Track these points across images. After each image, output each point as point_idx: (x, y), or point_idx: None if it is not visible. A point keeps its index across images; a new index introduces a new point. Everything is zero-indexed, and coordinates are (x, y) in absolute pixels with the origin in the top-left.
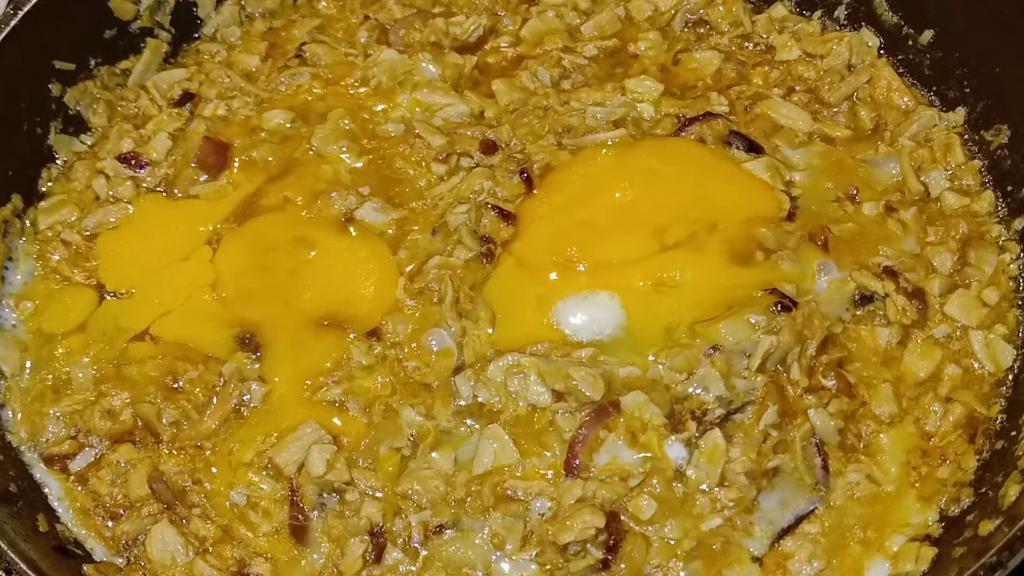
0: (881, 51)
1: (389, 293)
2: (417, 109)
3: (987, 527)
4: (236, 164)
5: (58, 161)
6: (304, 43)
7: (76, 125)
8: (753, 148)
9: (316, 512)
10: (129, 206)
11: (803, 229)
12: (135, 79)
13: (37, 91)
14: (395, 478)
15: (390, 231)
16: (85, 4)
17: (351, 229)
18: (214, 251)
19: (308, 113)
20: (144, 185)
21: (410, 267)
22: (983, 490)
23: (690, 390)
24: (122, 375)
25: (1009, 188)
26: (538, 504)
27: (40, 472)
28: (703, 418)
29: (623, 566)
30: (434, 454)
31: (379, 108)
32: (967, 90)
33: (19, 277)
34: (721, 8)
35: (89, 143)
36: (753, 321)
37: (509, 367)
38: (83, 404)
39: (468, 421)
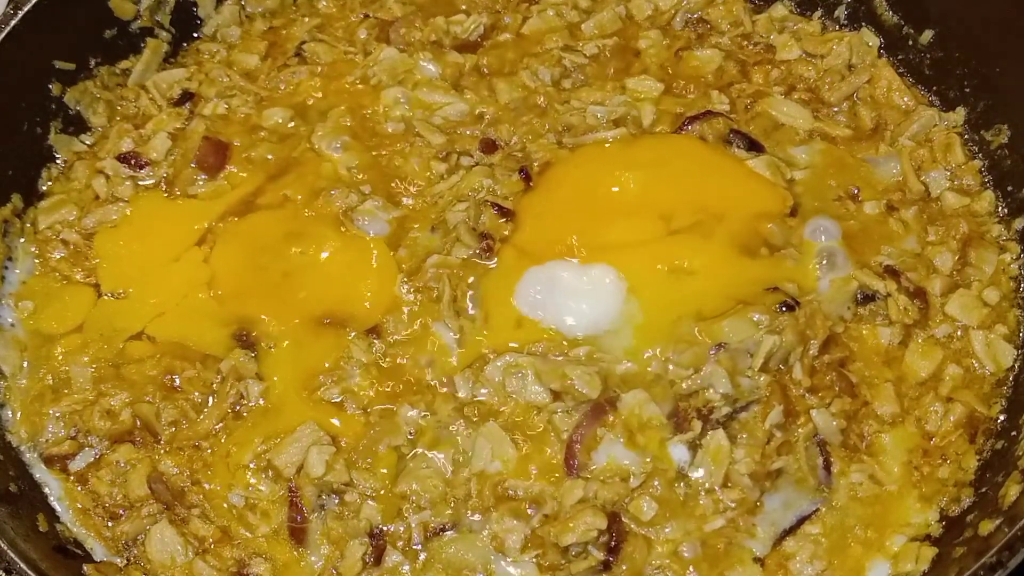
0: (881, 51)
1: (388, 291)
2: (417, 109)
3: (987, 527)
4: (235, 163)
5: (58, 161)
6: (304, 42)
7: (76, 125)
8: (754, 147)
9: (315, 514)
10: (128, 206)
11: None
12: (135, 79)
13: (37, 91)
14: (394, 478)
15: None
16: (85, 4)
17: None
18: (210, 250)
19: (308, 111)
20: (143, 184)
21: (409, 265)
22: (983, 490)
23: (694, 385)
24: (121, 375)
25: (1009, 188)
26: (539, 504)
27: (40, 472)
28: (709, 416)
29: (624, 567)
30: (433, 453)
31: (380, 106)
32: (967, 90)
33: (19, 276)
34: (721, 8)
35: (89, 143)
36: (756, 320)
37: (507, 366)
38: (82, 404)
39: (466, 420)
